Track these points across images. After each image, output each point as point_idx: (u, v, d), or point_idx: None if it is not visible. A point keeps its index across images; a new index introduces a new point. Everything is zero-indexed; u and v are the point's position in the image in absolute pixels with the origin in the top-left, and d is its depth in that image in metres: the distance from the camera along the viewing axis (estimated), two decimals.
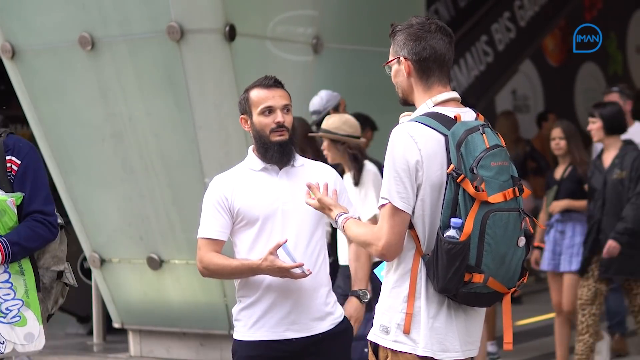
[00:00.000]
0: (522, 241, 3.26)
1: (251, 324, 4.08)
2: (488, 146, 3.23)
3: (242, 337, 4.11)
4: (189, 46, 7.34)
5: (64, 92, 7.99)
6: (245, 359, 4.10)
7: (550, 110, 13.01)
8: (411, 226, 3.28)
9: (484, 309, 3.41)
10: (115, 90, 7.72)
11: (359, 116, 7.64)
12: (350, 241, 4.80)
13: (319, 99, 7.33)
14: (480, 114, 3.40)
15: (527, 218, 3.32)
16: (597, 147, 7.77)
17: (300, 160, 4.17)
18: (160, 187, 7.78)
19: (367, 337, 3.43)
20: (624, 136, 7.43)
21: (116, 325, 8.56)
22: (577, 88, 14.96)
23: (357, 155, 6.10)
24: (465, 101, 3.49)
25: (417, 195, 3.25)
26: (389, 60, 3.43)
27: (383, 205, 3.28)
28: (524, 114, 13.69)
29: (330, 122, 6.16)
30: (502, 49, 12.17)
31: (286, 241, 3.94)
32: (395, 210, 3.25)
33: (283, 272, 3.93)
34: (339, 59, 8.32)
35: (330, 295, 4.17)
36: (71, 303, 8.46)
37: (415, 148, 3.24)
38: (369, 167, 6.11)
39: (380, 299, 3.40)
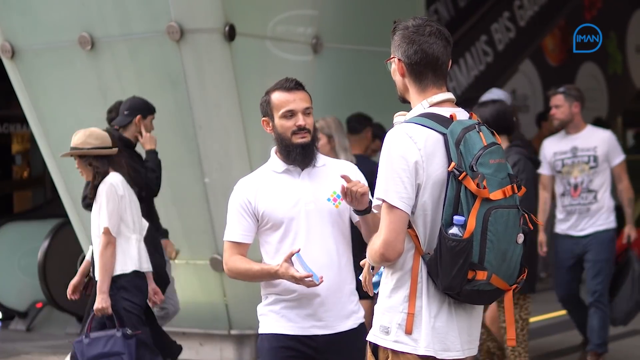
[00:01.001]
0: (520, 238, 3.26)
1: (277, 319, 4.13)
2: (485, 144, 3.24)
3: (268, 330, 4.15)
4: (189, 46, 7.34)
5: (64, 92, 7.99)
6: (271, 350, 4.12)
7: (550, 110, 12.98)
8: (409, 226, 3.28)
9: (482, 309, 3.43)
10: (115, 90, 7.71)
11: (359, 116, 7.65)
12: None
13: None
14: (473, 114, 3.41)
15: (525, 215, 3.33)
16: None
17: (322, 160, 4.21)
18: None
19: (367, 338, 3.44)
20: (586, 142, 7.28)
21: None
22: None
23: (98, 170, 6.08)
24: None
25: (417, 195, 3.26)
26: (390, 57, 3.45)
27: (377, 206, 3.30)
28: (523, 113, 13.67)
29: (76, 139, 6.10)
30: (501, 48, 12.18)
31: (299, 250, 3.97)
32: (390, 208, 3.24)
33: (296, 280, 3.96)
34: (339, 59, 8.31)
35: (354, 293, 4.21)
36: (71, 303, 8.49)
37: (414, 148, 3.24)
38: (109, 178, 6.09)
39: (378, 300, 3.40)
